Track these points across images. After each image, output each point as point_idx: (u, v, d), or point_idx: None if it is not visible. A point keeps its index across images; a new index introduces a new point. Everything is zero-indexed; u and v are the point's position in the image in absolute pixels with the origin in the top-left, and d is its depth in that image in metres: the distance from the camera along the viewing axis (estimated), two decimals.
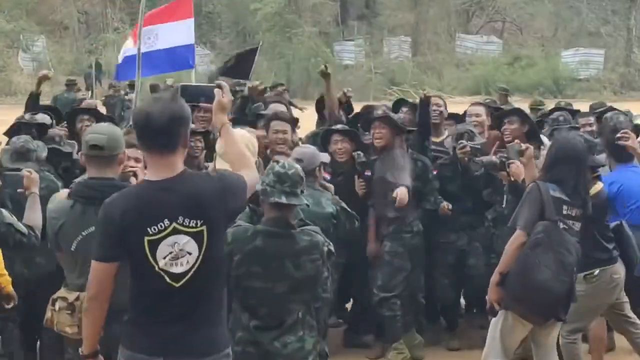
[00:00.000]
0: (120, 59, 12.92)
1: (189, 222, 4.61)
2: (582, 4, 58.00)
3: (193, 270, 4.64)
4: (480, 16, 57.53)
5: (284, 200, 5.72)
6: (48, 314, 5.75)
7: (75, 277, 5.65)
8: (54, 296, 5.74)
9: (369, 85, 43.04)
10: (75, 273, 5.65)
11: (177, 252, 4.61)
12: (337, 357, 8.70)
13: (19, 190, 6.55)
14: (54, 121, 9.99)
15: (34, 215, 6.19)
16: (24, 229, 5.96)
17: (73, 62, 46.08)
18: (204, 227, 4.64)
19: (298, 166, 5.95)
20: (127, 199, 4.71)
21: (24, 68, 46.48)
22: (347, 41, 52.69)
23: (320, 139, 9.42)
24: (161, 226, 4.59)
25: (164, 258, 4.61)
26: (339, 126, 9.52)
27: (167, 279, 4.63)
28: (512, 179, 7.87)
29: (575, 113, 11.08)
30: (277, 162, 6.00)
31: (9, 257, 6.78)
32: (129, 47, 12.66)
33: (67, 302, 5.59)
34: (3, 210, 6.01)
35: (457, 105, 19.32)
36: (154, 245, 4.60)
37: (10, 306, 7.16)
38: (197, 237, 4.63)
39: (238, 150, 5.13)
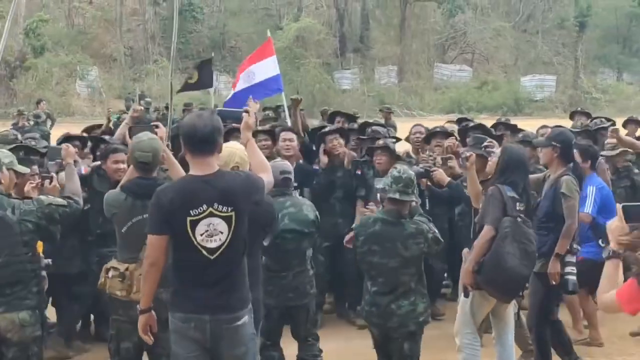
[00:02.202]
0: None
1: (222, 208, 4.93)
2: (538, 39, 58.06)
3: (224, 246, 4.95)
4: (454, 49, 57.42)
5: (397, 196, 6.22)
6: (101, 280, 6.02)
7: (126, 253, 5.94)
8: (107, 266, 6.01)
9: (363, 106, 42.89)
10: (126, 249, 5.94)
11: (212, 231, 4.92)
12: (329, 326, 8.89)
13: (57, 160, 6.70)
14: None
15: (72, 185, 6.25)
16: (62, 201, 5.92)
17: (120, 88, 45.99)
18: (233, 213, 4.95)
19: (411, 172, 6.40)
20: (175, 188, 5.07)
21: (80, 93, 46.36)
22: (345, 70, 52.50)
23: (317, 139, 9.76)
24: (200, 209, 4.90)
25: (201, 235, 4.91)
26: (334, 127, 9.97)
27: (204, 252, 4.93)
28: (432, 184, 8.49)
29: (513, 127, 11.16)
30: (395, 167, 6.47)
31: None
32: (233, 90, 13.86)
33: (118, 271, 5.87)
34: (41, 196, 5.97)
35: (435, 122, 19.37)
36: (194, 224, 4.90)
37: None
38: (227, 220, 4.94)
39: (259, 159, 5.57)
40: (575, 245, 7.25)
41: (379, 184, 6.87)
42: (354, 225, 6.44)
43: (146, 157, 5.86)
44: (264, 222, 5.91)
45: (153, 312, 5.15)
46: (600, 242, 7.84)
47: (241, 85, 13.44)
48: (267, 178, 5.39)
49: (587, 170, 8.13)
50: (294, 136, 9.09)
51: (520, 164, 7.00)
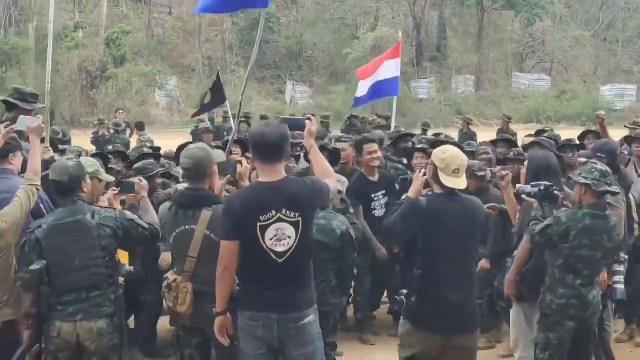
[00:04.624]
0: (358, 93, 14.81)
1: (290, 214, 5.20)
2: (618, 47, 57.07)
3: (292, 249, 5.22)
4: (533, 58, 56.82)
5: (608, 188, 6.41)
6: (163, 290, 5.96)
7: (177, 264, 5.88)
8: (166, 275, 5.96)
9: (439, 115, 42.78)
10: (176, 261, 5.92)
11: (280, 235, 5.19)
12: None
13: (130, 195, 6.62)
14: None
15: (149, 216, 6.25)
16: (145, 225, 5.93)
17: (199, 98, 46.68)
18: (300, 218, 5.23)
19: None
20: (245, 195, 5.36)
21: (159, 103, 47.15)
22: (422, 79, 52.34)
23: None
24: (269, 215, 5.17)
25: (271, 239, 5.18)
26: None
27: (273, 256, 5.20)
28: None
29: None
30: (595, 164, 6.71)
31: None
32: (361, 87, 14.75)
33: (167, 281, 5.84)
34: (126, 211, 6.05)
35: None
36: (264, 229, 5.17)
37: None
38: (295, 225, 5.22)
39: (323, 166, 5.68)
40: (622, 255, 7.27)
41: (526, 188, 6.66)
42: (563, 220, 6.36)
43: (187, 163, 5.77)
44: None
45: (229, 315, 5.38)
46: None
47: (367, 84, 14.25)
48: (332, 184, 5.56)
49: None
50: (377, 147, 8.99)
51: (549, 167, 6.95)
